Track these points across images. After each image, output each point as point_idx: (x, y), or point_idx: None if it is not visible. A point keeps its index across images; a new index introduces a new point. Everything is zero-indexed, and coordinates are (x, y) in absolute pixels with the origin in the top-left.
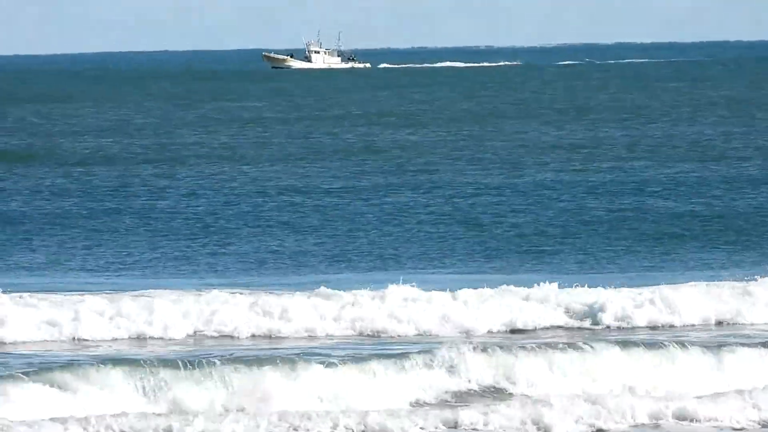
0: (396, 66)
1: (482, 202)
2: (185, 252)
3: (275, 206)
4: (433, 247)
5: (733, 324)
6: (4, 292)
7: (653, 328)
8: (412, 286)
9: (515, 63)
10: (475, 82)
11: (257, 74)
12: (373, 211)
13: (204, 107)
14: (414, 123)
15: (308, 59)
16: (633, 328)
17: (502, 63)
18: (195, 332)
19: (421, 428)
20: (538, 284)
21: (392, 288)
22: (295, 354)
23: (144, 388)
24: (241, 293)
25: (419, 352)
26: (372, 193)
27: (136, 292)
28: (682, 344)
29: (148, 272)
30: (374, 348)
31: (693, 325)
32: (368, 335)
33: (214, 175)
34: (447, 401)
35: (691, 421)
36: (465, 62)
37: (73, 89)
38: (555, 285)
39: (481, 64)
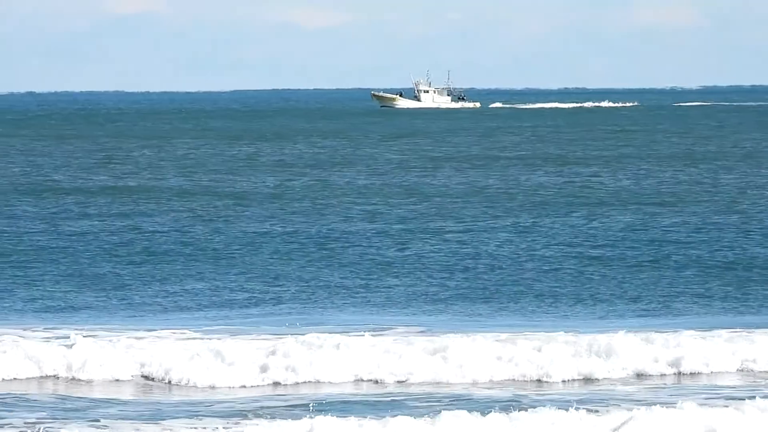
0: (507, 106)
1: None
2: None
3: None
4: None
5: None
6: None
7: None
8: None
9: (631, 104)
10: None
11: (386, 113)
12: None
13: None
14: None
15: (417, 98)
16: None
17: (619, 104)
18: None
19: None
20: None
21: None
22: None
23: None
24: None
25: None
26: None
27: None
28: None
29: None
30: None
31: None
32: None
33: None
34: None
35: None
36: (575, 102)
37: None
38: None
39: (600, 104)
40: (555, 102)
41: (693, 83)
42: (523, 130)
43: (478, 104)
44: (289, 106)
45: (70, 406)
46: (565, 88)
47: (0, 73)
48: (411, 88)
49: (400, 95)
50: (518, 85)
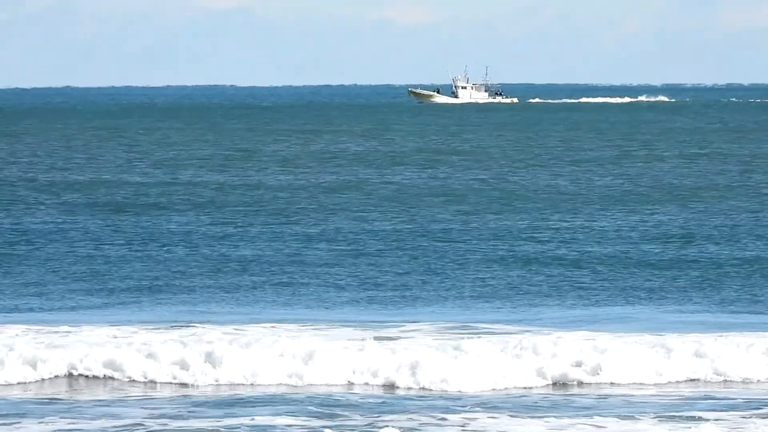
0: (545, 101)
1: None
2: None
3: None
4: None
5: None
6: None
7: None
8: None
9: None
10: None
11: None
12: None
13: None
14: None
15: (455, 94)
16: None
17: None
18: None
19: None
20: None
21: None
22: None
23: None
24: None
25: None
26: None
27: None
28: None
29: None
30: None
31: None
32: None
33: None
34: None
35: None
36: (614, 97)
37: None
38: None
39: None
40: (601, 97)
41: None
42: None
43: (515, 99)
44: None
45: None
46: (593, 85)
47: (109, 69)
48: (449, 85)
49: (438, 92)
50: (539, 79)
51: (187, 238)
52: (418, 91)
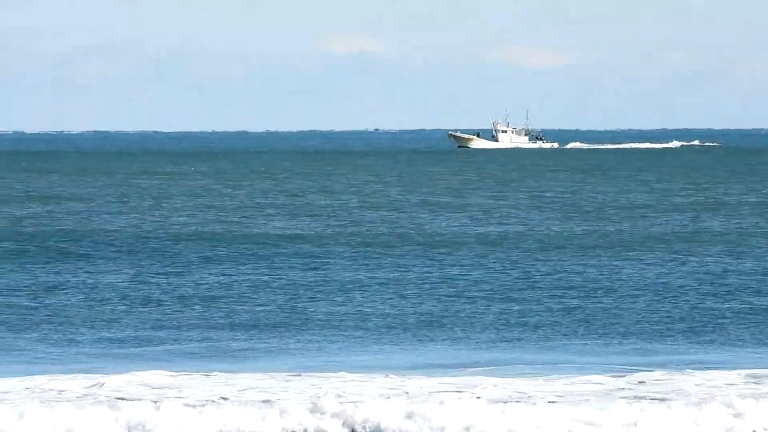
0: (587, 146)
1: None
2: None
3: None
4: None
5: None
6: None
7: None
8: None
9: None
10: None
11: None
12: None
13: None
14: None
15: (495, 138)
16: None
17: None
18: None
19: None
20: None
21: None
22: None
23: None
24: None
25: None
26: None
27: None
28: None
29: None
30: None
31: None
32: None
33: None
34: None
35: None
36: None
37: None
38: None
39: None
40: (634, 142)
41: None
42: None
43: (556, 144)
44: None
45: None
46: (621, 129)
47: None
48: (489, 129)
49: (477, 135)
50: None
51: None
52: (458, 134)
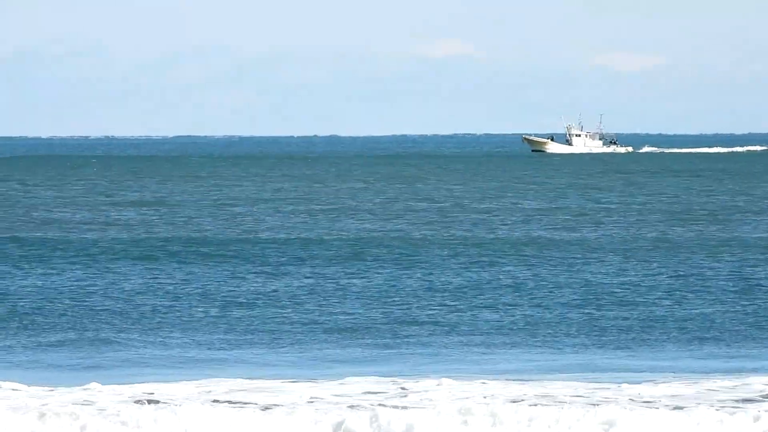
0: (659, 150)
1: None
2: None
3: None
4: None
5: None
6: None
7: None
8: None
9: None
10: None
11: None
12: None
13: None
14: None
15: (569, 143)
16: None
17: None
18: None
19: None
20: None
21: None
22: None
23: None
24: None
25: None
26: None
27: None
28: None
29: None
30: None
31: None
32: None
33: None
34: None
35: None
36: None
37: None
38: None
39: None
40: (707, 147)
41: None
42: None
43: (630, 149)
44: None
45: None
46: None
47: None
48: (563, 133)
49: (552, 139)
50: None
51: None
52: (533, 138)
